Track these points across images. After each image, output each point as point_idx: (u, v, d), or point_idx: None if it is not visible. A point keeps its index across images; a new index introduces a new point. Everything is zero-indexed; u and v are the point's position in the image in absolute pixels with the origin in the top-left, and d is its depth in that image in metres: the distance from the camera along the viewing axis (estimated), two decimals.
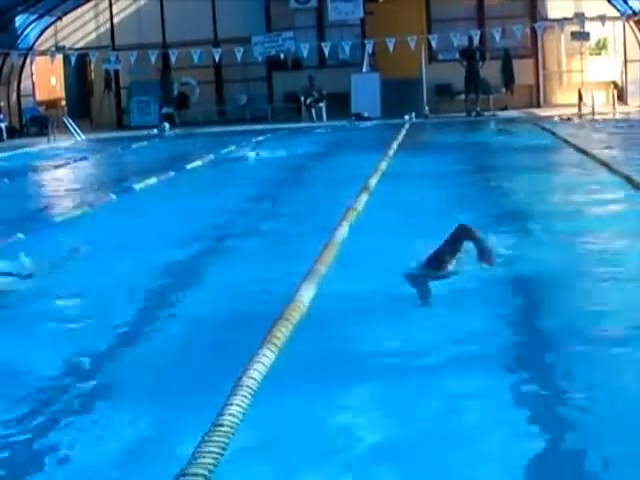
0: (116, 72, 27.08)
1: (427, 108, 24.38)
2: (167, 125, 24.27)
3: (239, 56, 24.62)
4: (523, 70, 25.56)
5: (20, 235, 8.25)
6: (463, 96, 25.31)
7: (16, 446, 3.65)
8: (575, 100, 23.93)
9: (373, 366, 4.26)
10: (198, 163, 14.90)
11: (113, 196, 10.96)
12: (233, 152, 17.11)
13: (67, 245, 7.81)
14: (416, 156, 14.48)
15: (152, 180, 12.34)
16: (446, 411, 3.70)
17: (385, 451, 3.39)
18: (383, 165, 12.54)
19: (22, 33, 26.73)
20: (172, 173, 13.40)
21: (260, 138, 20.06)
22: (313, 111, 24.03)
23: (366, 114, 24.12)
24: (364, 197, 9.18)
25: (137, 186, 11.78)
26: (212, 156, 15.93)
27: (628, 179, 9.62)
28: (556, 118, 21.51)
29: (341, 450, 3.42)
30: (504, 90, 25.51)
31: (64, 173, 15.66)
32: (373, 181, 10.58)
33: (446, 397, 3.82)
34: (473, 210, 8.45)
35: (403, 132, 19.44)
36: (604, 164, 11.30)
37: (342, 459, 3.35)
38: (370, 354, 4.45)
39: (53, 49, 26.72)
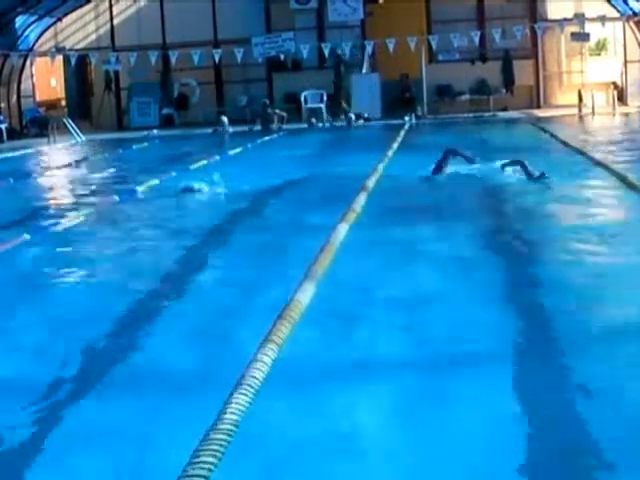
0: (116, 73, 27.10)
1: (426, 109, 24.43)
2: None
3: (239, 57, 24.63)
4: (523, 71, 25.59)
5: (25, 235, 8.27)
6: (463, 97, 25.42)
7: None
8: (575, 101, 23.94)
9: None
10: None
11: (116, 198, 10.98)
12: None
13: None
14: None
15: (155, 181, 12.36)
16: None
17: None
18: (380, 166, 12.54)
19: (22, 34, 26.74)
20: (174, 173, 13.40)
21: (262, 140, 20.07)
22: (313, 119, 23.99)
23: (366, 114, 24.08)
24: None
25: (140, 188, 11.77)
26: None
27: None
28: None
29: None
30: (504, 91, 25.55)
31: (65, 174, 15.64)
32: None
33: None
34: None
35: (402, 133, 19.45)
36: None
37: None
38: None
39: (53, 50, 26.73)
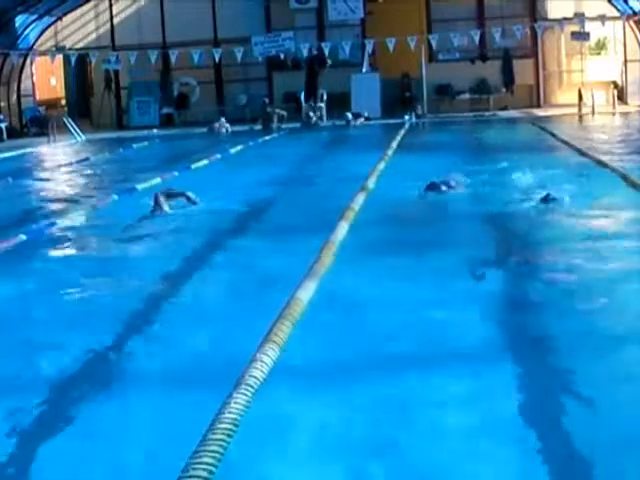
0: (116, 72, 27.07)
1: (426, 108, 24.41)
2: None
3: (239, 56, 24.63)
4: (523, 70, 25.58)
5: (22, 236, 8.27)
6: (463, 96, 25.42)
7: None
8: (575, 100, 23.92)
9: None
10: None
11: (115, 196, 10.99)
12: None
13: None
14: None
15: (155, 180, 12.36)
16: None
17: None
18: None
19: (22, 33, 26.71)
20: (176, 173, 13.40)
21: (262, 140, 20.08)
22: (312, 115, 23.96)
23: (366, 114, 24.05)
24: None
25: (139, 186, 11.77)
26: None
27: None
28: None
29: None
30: (504, 90, 25.54)
31: (64, 173, 15.64)
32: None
33: None
34: None
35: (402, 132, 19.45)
36: None
37: None
38: None
39: (53, 49, 26.72)
